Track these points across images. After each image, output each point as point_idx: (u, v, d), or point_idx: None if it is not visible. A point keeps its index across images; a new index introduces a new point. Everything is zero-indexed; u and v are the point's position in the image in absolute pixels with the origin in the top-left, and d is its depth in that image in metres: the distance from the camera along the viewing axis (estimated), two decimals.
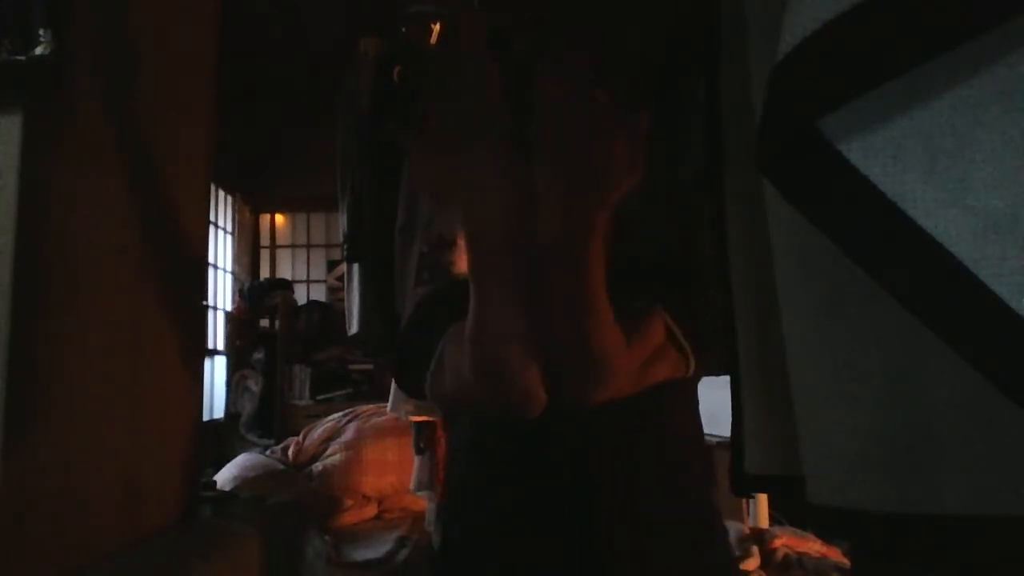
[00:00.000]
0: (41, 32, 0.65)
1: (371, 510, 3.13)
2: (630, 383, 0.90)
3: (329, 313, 4.78)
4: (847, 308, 0.43)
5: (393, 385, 2.29)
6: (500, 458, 0.99)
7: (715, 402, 1.03)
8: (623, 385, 0.89)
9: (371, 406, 3.51)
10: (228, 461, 3.19)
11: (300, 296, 5.16)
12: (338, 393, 4.49)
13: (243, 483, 2.79)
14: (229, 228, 5.15)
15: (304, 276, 5.46)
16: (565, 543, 0.93)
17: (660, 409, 0.97)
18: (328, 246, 5.35)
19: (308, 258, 5.50)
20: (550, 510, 0.94)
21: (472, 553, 1.00)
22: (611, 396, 0.88)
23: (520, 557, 0.95)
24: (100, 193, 0.81)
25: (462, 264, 1.93)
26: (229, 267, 5.14)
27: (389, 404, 2.30)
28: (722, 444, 0.88)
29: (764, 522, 2.63)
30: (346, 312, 2.47)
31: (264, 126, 5.11)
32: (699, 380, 1.02)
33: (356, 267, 2.38)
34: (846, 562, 2.12)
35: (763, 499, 2.61)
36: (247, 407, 4.52)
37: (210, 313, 4.70)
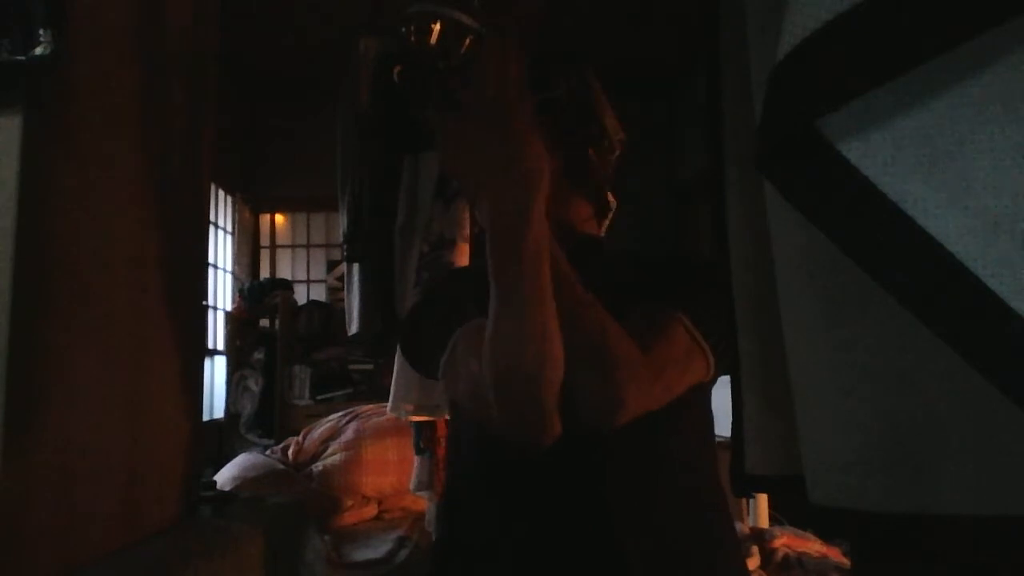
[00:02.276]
0: (41, 32, 0.65)
1: (371, 510, 3.13)
2: (653, 400, 0.86)
3: (329, 313, 4.77)
4: (847, 308, 0.42)
5: (393, 385, 2.29)
6: (508, 481, 0.94)
7: (715, 402, 1.02)
8: (646, 403, 0.85)
9: (371, 406, 3.50)
10: (228, 461, 3.19)
11: (300, 296, 5.16)
12: (338, 393, 4.49)
13: (243, 483, 2.79)
14: (229, 228, 5.15)
15: (304, 276, 5.46)
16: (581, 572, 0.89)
17: (680, 417, 0.92)
18: (328, 246, 5.35)
19: (308, 258, 5.50)
20: (566, 540, 0.89)
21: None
22: (633, 417, 0.83)
23: None
24: (100, 193, 0.81)
25: (462, 263, 1.93)
26: (229, 267, 5.14)
27: (389, 404, 2.30)
28: (722, 444, 0.87)
29: (764, 522, 2.63)
30: (346, 312, 2.47)
31: (264, 126, 5.11)
32: (714, 383, 0.98)
33: (356, 267, 2.38)
34: (846, 562, 2.12)
35: (763, 499, 2.61)
36: (247, 407, 4.52)
37: (210, 313, 4.70)
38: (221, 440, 4.47)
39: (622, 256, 1.07)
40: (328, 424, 3.46)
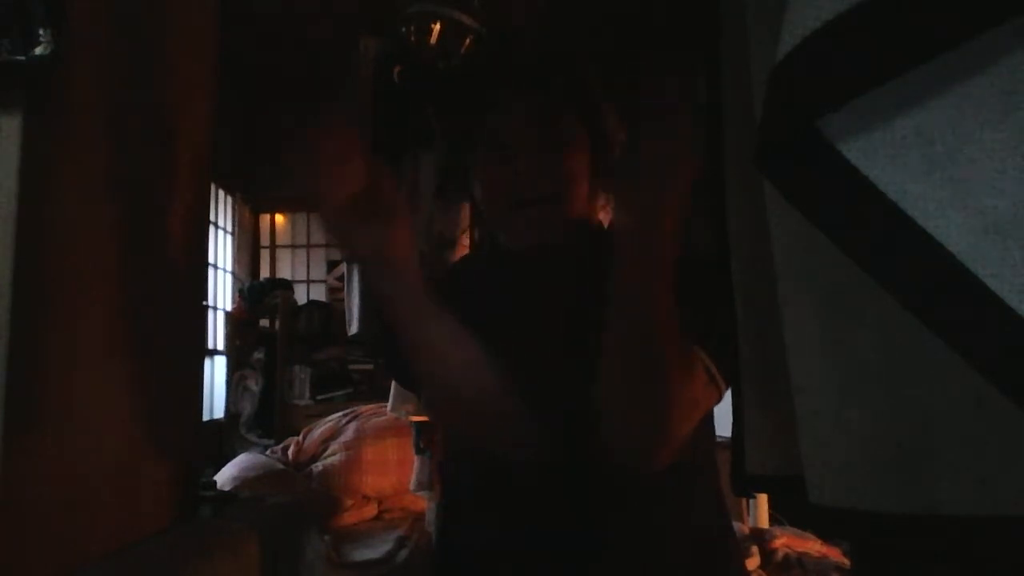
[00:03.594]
0: (41, 32, 0.65)
1: (371, 510, 3.13)
2: (681, 446, 0.83)
3: (329, 313, 4.78)
4: (847, 308, 0.42)
5: (393, 385, 2.29)
6: (505, 484, 0.93)
7: None
8: (677, 452, 0.83)
9: (371, 406, 3.51)
10: (228, 461, 3.19)
11: (300, 296, 5.16)
12: (338, 393, 4.49)
13: (243, 483, 2.79)
14: (229, 228, 5.15)
15: (304, 276, 5.46)
16: None
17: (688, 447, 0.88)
18: (328, 246, 5.35)
19: (308, 258, 5.50)
20: (564, 542, 0.89)
21: None
22: (671, 460, 0.82)
23: None
24: (100, 193, 0.81)
25: None
26: (229, 267, 5.14)
27: (389, 404, 2.30)
28: (722, 444, 0.87)
29: (764, 522, 2.63)
30: (346, 312, 2.48)
31: (264, 126, 5.11)
32: None
33: (356, 267, 2.39)
34: (846, 562, 2.12)
35: (763, 499, 2.61)
36: (247, 407, 4.52)
37: (210, 313, 4.70)
38: (221, 440, 4.47)
39: None
40: (328, 424, 3.46)
